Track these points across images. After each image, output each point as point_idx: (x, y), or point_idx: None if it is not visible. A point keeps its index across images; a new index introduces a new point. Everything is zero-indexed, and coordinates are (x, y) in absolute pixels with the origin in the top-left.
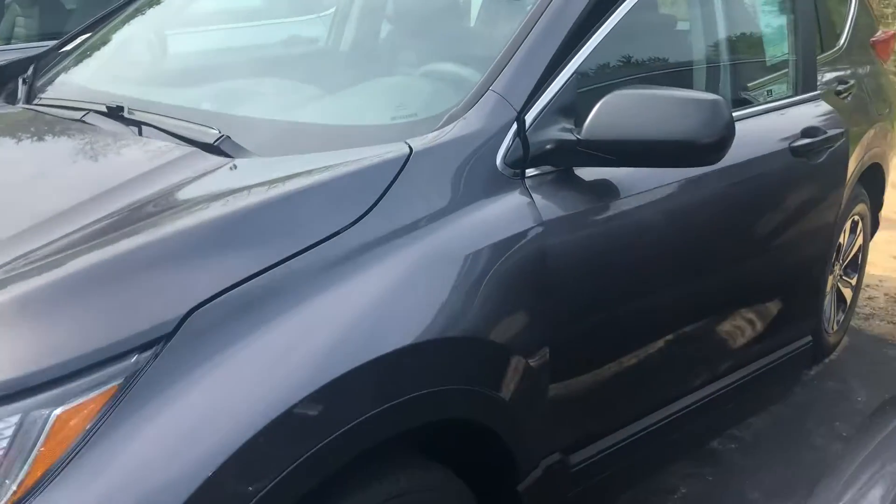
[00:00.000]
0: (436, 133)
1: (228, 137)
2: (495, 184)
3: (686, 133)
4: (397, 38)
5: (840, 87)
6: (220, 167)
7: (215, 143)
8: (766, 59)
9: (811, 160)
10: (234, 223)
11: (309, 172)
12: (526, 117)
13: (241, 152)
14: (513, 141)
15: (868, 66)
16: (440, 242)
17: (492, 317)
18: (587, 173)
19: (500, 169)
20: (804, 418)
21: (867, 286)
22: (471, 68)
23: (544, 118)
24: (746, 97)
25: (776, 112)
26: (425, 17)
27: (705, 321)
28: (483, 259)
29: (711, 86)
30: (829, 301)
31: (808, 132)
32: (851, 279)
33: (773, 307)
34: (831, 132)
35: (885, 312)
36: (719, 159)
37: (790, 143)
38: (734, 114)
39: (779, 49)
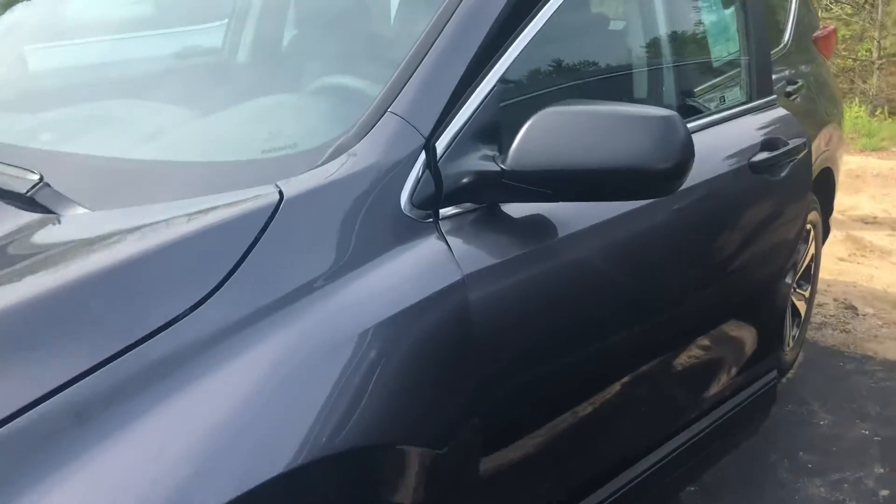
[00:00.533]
0: (319, 170)
1: (48, 185)
2: (399, 231)
3: (635, 158)
4: (296, 47)
5: (790, 89)
6: (26, 229)
7: (27, 194)
8: (716, 61)
9: (773, 176)
10: (17, 320)
11: (140, 233)
12: (437, 144)
13: (63, 204)
14: (421, 175)
15: (813, 65)
16: (325, 319)
17: (404, 409)
18: (517, 209)
19: (405, 211)
20: (767, 450)
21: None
22: (370, 82)
23: (460, 144)
24: (696, 105)
25: (731, 122)
26: (333, 19)
27: (666, 368)
28: (386, 333)
29: (658, 94)
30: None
31: (767, 145)
32: (805, 291)
33: (739, 344)
34: (793, 143)
35: (837, 320)
36: (677, 188)
37: (749, 159)
38: None
39: (729, 48)
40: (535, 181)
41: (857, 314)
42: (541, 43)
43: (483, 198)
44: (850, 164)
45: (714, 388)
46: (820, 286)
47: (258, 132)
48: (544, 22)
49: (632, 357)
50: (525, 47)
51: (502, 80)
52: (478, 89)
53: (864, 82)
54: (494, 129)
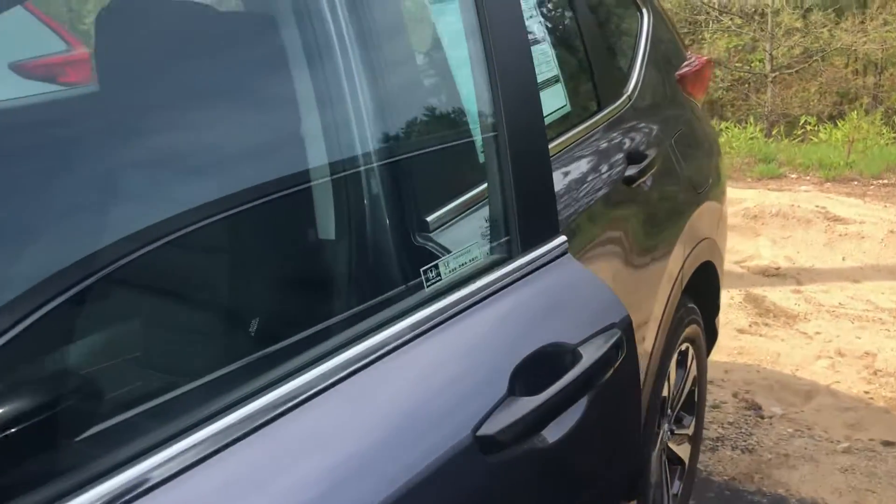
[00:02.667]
0: None
1: None
2: None
3: None
4: None
5: (632, 172)
6: None
7: None
8: (443, 172)
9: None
10: None
11: None
12: None
13: None
14: None
15: (677, 119)
16: None
17: None
18: None
19: None
20: None
21: (710, 383)
22: None
23: None
24: (389, 292)
25: (466, 321)
26: None
27: None
28: None
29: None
30: (656, 478)
31: (533, 375)
32: (687, 428)
33: None
34: (600, 348)
35: (738, 431)
36: None
37: (474, 430)
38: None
39: (467, 140)
40: None
41: (763, 416)
42: None
43: None
44: (746, 202)
45: None
46: (717, 374)
47: None
48: None
49: None
50: None
51: None
52: None
53: (759, 93)
54: None
